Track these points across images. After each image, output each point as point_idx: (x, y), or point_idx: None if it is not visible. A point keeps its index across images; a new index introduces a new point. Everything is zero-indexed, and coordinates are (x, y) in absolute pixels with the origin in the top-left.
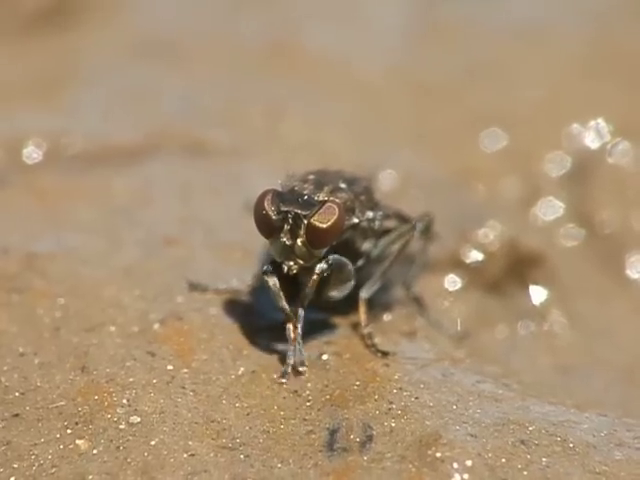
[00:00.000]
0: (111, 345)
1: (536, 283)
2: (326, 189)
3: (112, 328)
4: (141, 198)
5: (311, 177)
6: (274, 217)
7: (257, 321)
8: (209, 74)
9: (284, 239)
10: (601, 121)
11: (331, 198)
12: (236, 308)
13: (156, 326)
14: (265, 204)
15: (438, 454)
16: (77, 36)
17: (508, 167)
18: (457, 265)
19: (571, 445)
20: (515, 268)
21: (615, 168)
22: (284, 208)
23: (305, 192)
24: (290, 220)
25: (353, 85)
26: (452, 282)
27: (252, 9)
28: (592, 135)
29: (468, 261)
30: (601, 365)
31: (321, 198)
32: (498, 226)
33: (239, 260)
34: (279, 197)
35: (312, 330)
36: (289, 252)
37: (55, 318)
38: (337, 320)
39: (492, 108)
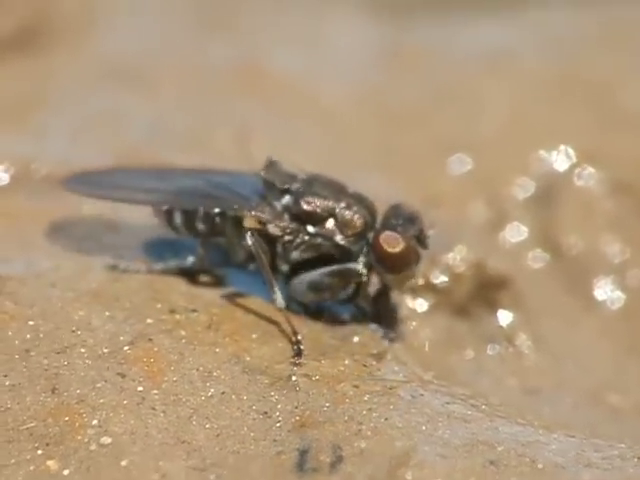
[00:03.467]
0: (81, 367)
1: (503, 306)
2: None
3: (82, 350)
4: (109, 222)
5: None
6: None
7: (226, 343)
8: (177, 98)
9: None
10: (565, 147)
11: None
12: (206, 330)
13: (126, 348)
14: (412, 247)
15: (408, 475)
16: (46, 60)
17: (474, 192)
18: (425, 288)
19: (540, 466)
20: (482, 291)
21: (580, 192)
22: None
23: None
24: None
25: (320, 110)
26: (420, 304)
27: (220, 34)
28: (557, 160)
29: (436, 284)
30: (568, 387)
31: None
32: (465, 250)
33: (208, 281)
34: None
35: (281, 351)
36: None
37: (25, 340)
38: (304, 341)
39: (458, 134)
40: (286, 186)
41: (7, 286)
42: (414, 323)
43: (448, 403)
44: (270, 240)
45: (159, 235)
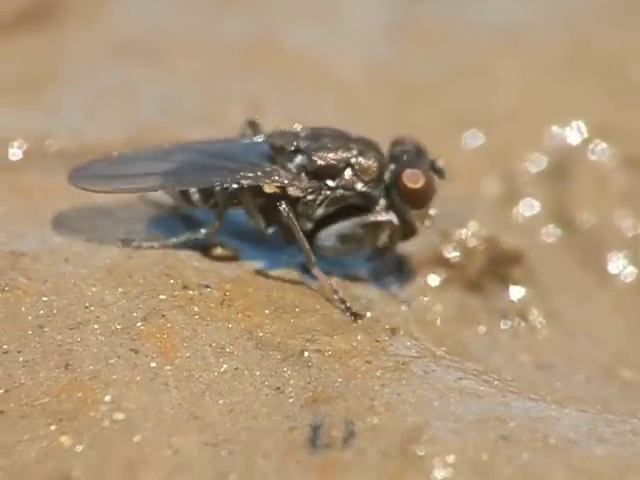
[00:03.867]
0: (94, 343)
1: (516, 281)
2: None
3: (95, 326)
4: (121, 198)
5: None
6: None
7: (239, 319)
8: (191, 73)
9: None
10: (578, 121)
11: None
12: (219, 306)
13: (139, 324)
14: (432, 179)
15: (420, 450)
16: (59, 35)
17: (488, 166)
18: (439, 263)
19: (552, 441)
20: (495, 266)
21: (593, 167)
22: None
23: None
24: None
25: (333, 84)
26: (433, 279)
27: (233, 9)
28: (570, 135)
29: (449, 259)
30: (581, 362)
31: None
32: (478, 224)
33: (221, 256)
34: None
35: (293, 326)
36: None
37: (39, 316)
38: (317, 316)
39: (471, 109)
40: (295, 145)
41: (21, 262)
42: (427, 298)
43: (460, 379)
44: (290, 202)
45: (171, 209)
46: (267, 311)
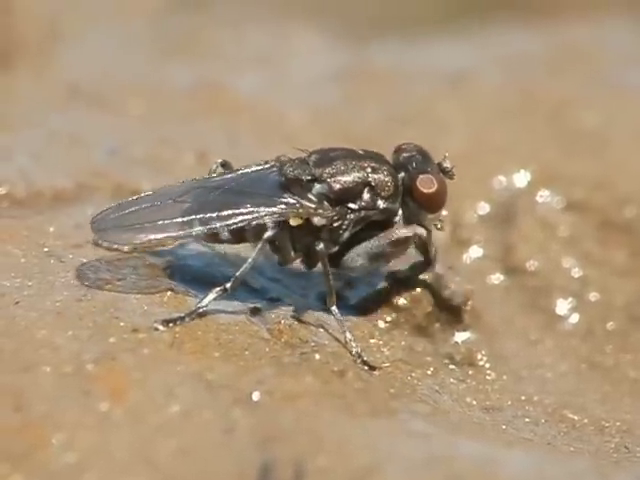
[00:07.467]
0: (45, 385)
1: (463, 325)
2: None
3: (46, 368)
4: (71, 242)
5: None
6: None
7: (189, 361)
8: (139, 119)
9: None
10: (525, 168)
11: None
12: (169, 348)
13: (90, 366)
14: (444, 181)
15: None
16: (8, 82)
17: None
18: (387, 306)
19: None
20: (443, 310)
21: (539, 213)
22: None
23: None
24: None
25: (281, 130)
26: (381, 323)
27: (181, 55)
28: (516, 181)
29: (398, 303)
30: (528, 405)
31: None
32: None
33: (171, 300)
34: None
35: (243, 368)
36: None
37: None
38: (266, 358)
39: None
40: (309, 174)
41: None
42: (374, 341)
43: (409, 420)
44: (315, 230)
45: (121, 256)
46: (217, 354)
